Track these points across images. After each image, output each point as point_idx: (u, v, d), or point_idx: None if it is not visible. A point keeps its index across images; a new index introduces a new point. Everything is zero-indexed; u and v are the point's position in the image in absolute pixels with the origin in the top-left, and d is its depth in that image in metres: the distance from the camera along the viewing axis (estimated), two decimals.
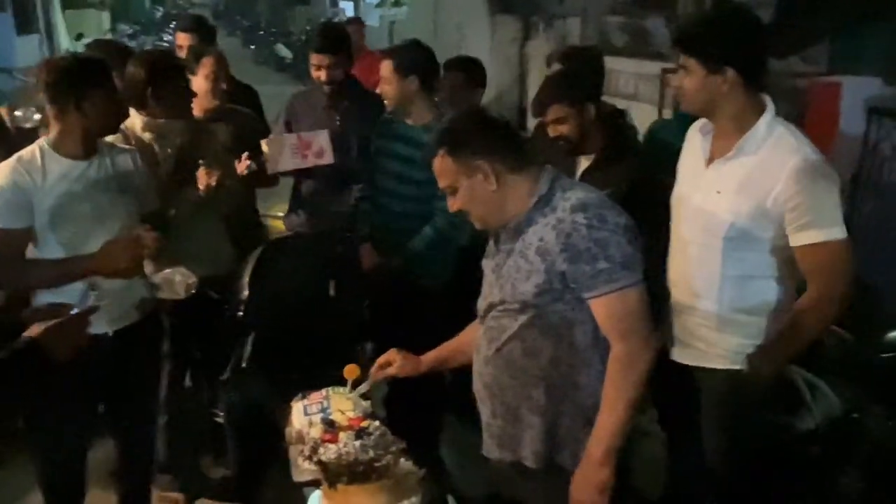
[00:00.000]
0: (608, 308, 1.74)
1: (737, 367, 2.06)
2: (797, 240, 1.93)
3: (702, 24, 2.04)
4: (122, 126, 2.75)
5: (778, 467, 2.24)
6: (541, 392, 1.83)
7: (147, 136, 2.78)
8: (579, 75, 2.82)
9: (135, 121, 2.81)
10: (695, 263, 2.11)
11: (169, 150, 2.81)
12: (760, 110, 1.99)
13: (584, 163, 2.71)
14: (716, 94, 1.98)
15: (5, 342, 1.66)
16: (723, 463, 2.13)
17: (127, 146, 2.60)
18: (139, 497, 2.78)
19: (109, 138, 2.68)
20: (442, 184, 1.85)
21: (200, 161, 2.76)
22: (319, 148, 3.12)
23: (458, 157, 1.80)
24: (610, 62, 4.53)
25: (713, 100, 1.99)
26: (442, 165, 1.83)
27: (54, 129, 2.30)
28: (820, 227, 1.91)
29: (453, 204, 1.86)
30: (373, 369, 2.14)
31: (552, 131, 2.64)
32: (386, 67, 2.97)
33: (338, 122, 3.27)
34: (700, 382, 2.12)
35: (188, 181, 2.78)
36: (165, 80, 2.77)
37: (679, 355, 2.17)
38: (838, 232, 1.92)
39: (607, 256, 1.70)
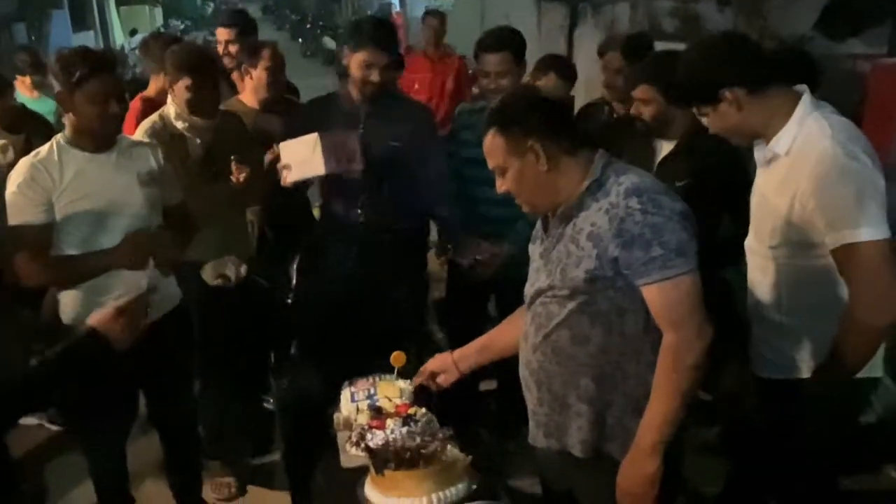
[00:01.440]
0: (661, 296, 1.69)
1: (806, 376, 1.98)
2: (827, 243, 1.82)
3: (680, 76, 1.99)
4: (161, 112, 2.80)
5: (838, 462, 2.17)
6: (589, 380, 1.80)
7: (180, 124, 2.79)
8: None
9: (170, 109, 2.81)
10: (757, 273, 2.06)
11: (199, 142, 2.81)
12: (794, 104, 1.90)
13: (664, 149, 2.67)
14: (734, 118, 1.91)
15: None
16: (791, 467, 2.07)
17: (147, 141, 2.60)
18: (190, 484, 2.83)
19: (146, 122, 2.71)
20: (491, 164, 1.81)
21: (232, 157, 2.75)
22: (350, 151, 2.68)
23: (508, 136, 1.75)
24: (660, 48, 4.43)
25: (737, 124, 1.93)
26: (492, 144, 1.78)
27: (68, 123, 2.33)
28: (843, 229, 1.77)
29: (501, 185, 1.81)
30: (417, 377, 2.15)
31: (634, 109, 2.63)
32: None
33: (361, 129, 2.82)
34: (775, 394, 2.06)
35: (219, 175, 2.77)
36: (196, 78, 2.72)
37: (755, 367, 2.11)
38: (865, 232, 1.75)
39: (661, 242, 1.65)
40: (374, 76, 2.77)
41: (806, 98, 1.90)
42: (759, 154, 2.02)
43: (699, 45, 2.04)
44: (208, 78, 2.78)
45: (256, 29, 3.93)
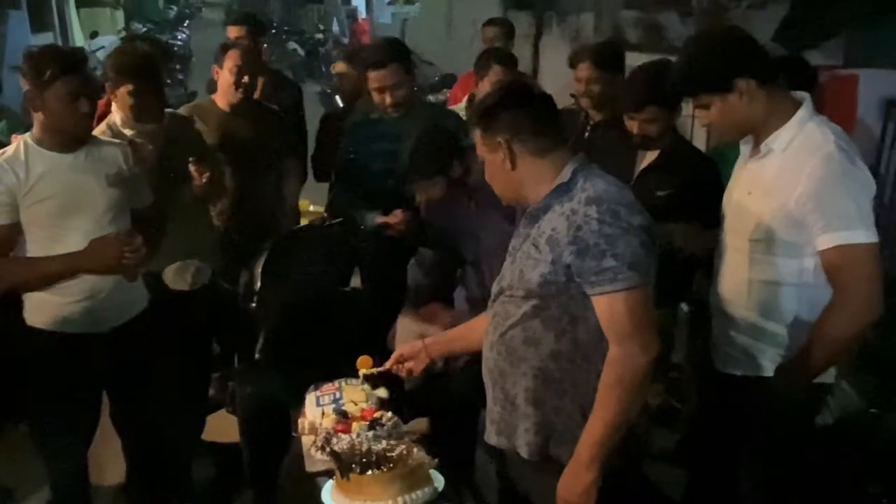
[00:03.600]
0: (609, 307, 1.68)
1: (768, 375, 2.01)
2: (818, 244, 1.86)
3: (687, 64, 2.00)
4: (108, 122, 2.74)
5: (794, 464, 2.21)
6: (539, 383, 1.79)
7: (128, 131, 2.70)
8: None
9: (115, 117, 2.74)
10: (727, 267, 2.08)
11: (150, 147, 2.74)
12: (794, 108, 1.94)
13: (645, 158, 2.67)
14: (742, 110, 1.93)
15: None
16: (751, 470, 2.10)
17: (118, 141, 2.54)
18: (151, 497, 2.75)
19: (96, 132, 2.64)
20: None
21: (191, 159, 2.70)
22: None
23: (484, 132, 1.81)
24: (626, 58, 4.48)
25: (743, 116, 1.94)
26: (476, 137, 1.85)
27: (37, 123, 2.28)
28: (837, 230, 1.82)
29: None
30: (390, 363, 2.13)
31: (638, 128, 2.61)
32: None
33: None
34: (734, 389, 2.08)
35: (179, 177, 2.72)
36: (138, 83, 2.65)
37: (715, 361, 2.14)
38: (860, 235, 1.81)
39: (615, 254, 1.65)
40: None
41: (808, 104, 1.96)
42: (745, 148, 2.05)
43: (709, 36, 2.08)
44: (151, 82, 2.70)
45: (265, 30, 4.05)
